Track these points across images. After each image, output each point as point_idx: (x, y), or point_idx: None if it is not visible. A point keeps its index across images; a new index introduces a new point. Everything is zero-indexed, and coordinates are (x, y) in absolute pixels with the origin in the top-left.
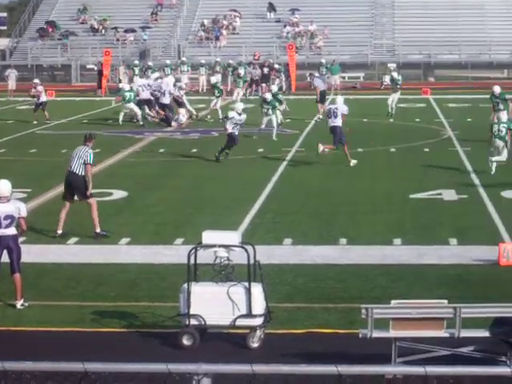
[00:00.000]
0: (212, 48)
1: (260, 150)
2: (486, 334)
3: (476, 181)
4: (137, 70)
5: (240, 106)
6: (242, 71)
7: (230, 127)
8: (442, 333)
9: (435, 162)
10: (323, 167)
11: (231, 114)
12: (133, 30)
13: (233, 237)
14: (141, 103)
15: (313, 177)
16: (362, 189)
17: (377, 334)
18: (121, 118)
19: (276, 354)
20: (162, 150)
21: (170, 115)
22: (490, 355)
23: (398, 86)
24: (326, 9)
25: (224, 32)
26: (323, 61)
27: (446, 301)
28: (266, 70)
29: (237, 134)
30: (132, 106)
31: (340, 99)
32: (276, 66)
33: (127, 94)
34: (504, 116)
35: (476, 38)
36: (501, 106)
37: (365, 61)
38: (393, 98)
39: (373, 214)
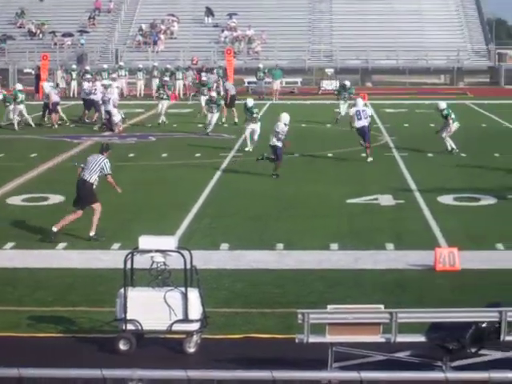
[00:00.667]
0: (150, 52)
1: (197, 154)
2: (422, 339)
3: (413, 186)
4: (74, 75)
5: (287, 117)
6: (205, 78)
7: (275, 139)
8: (379, 338)
9: (372, 167)
10: (260, 172)
11: (279, 125)
12: (70, 35)
13: (169, 242)
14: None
15: (250, 181)
16: (299, 194)
17: (313, 339)
18: (15, 121)
19: (213, 359)
20: None
21: (110, 119)
22: (426, 360)
23: (352, 96)
24: (263, 13)
25: (162, 37)
26: (261, 66)
27: (382, 306)
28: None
29: (281, 146)
30: (23, 107)
31: (360, 101)
32: (214, 70)
33: (20, 95)
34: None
35: (413, 43)
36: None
37: (302, 66)
38: (343, 107)
39: (310, 219)
